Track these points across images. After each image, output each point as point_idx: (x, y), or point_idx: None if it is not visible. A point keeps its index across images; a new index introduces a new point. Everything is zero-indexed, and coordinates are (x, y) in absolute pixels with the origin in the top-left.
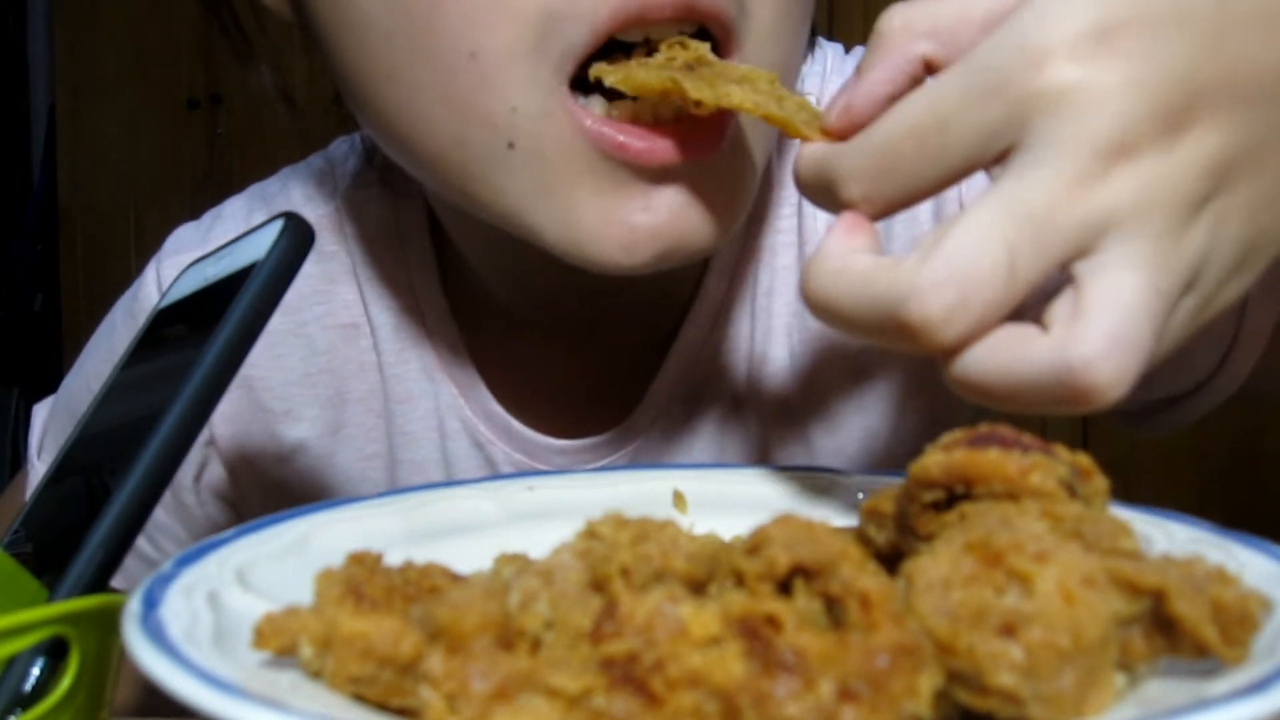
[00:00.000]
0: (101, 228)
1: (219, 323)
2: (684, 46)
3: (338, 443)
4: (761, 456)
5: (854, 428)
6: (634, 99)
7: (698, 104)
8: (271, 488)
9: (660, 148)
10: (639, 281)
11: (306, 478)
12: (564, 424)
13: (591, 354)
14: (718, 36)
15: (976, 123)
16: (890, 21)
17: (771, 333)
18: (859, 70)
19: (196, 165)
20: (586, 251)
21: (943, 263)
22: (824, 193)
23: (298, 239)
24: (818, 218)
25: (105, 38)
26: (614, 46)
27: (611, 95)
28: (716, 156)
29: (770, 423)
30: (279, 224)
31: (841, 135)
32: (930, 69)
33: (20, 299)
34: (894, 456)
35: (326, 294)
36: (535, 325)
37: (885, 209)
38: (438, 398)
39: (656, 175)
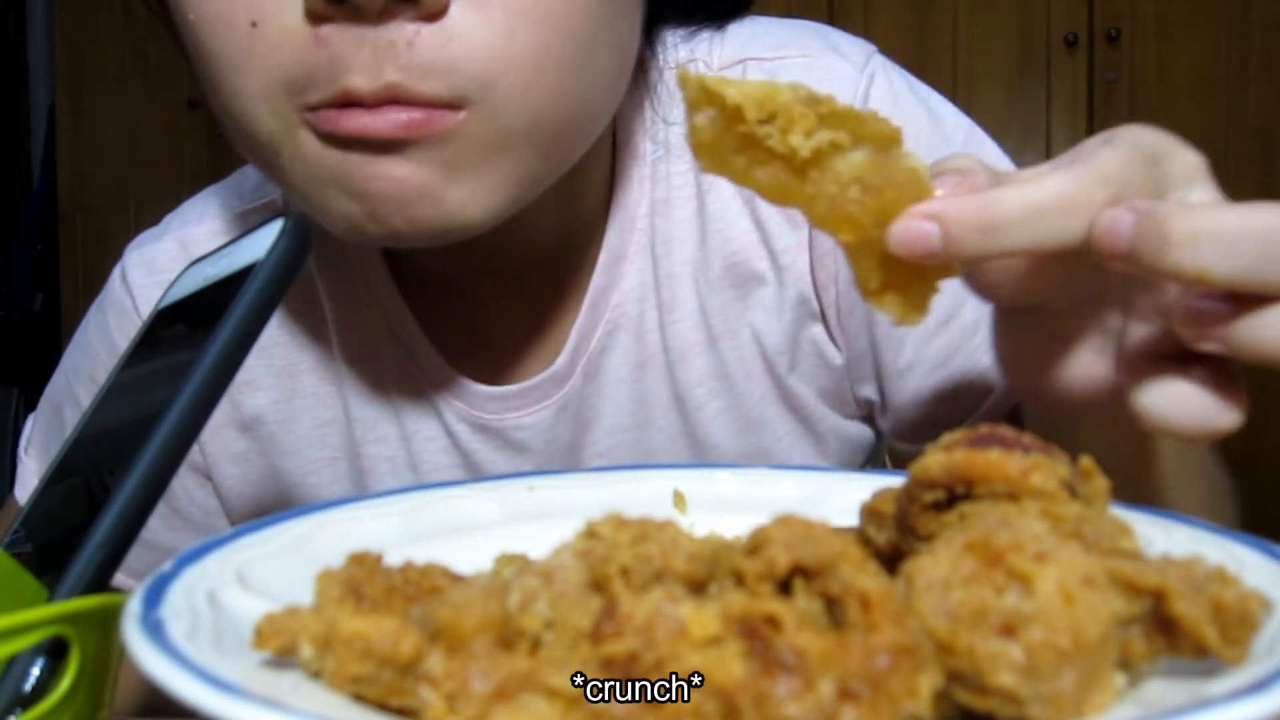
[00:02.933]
0: (101, 228)
1: (219, 323)
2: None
3: (294, 410)
4: (680, 398)
5: (763, 361)
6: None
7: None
8: (237, 455)
9: (381, 124)
10: (540, 237)
11: (268, 444)
12: (500, 374)
13: (518, 308)
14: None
15: None
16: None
17: (676, 280)
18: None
19: (196, 165)
20: (355, 231)
21: None
22: (1132, 255)
23: (297, 239)
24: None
25: (105, 38)
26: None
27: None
28: (433, 136)
29: (687, 365)
30: (279, 224)
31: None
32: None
33: (20, 299)
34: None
35: None
36: (467, 284)
37: (1238, 285)
38: (386, 358)
39: (378, 148)
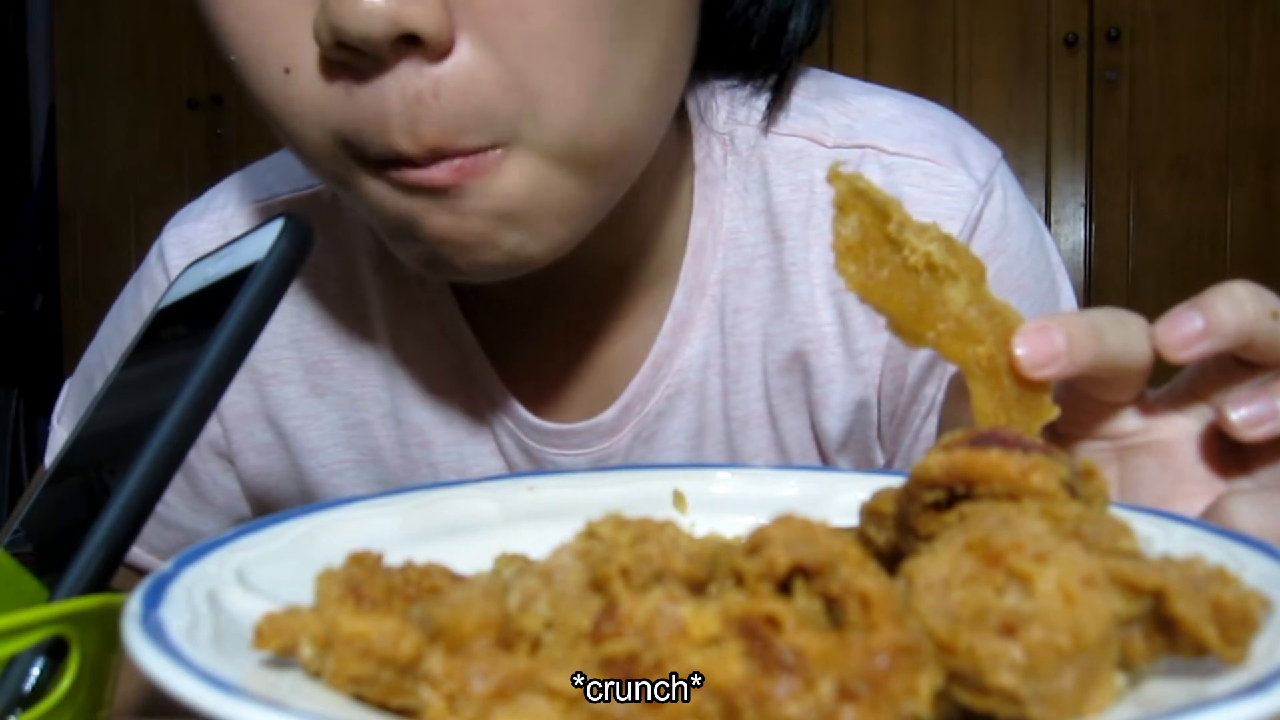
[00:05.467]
0: (101, 228)
1: (219, 323)
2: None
3: (323, 406)
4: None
5: (816, 445)
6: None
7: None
8: (261, 446)
9: (435, 174)
10: (585, 262)
11: (290, 439)
12: (545, 396)
13: (570, 330)
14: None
15: None
16: None
17: (745, 350)
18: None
19: (196, 165)
20: (420, 268)
21: None
22: None
23: (298, 239)
24: (810, 249)
25: (105, 38)
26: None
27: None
28: (489, 182)
29: (747, 436)
30: (279, 224)
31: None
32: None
33: (20, 299)
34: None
35: (318, 266)
36: (519, 297)
37: None
38: (437, 360)
39: (438, 202)
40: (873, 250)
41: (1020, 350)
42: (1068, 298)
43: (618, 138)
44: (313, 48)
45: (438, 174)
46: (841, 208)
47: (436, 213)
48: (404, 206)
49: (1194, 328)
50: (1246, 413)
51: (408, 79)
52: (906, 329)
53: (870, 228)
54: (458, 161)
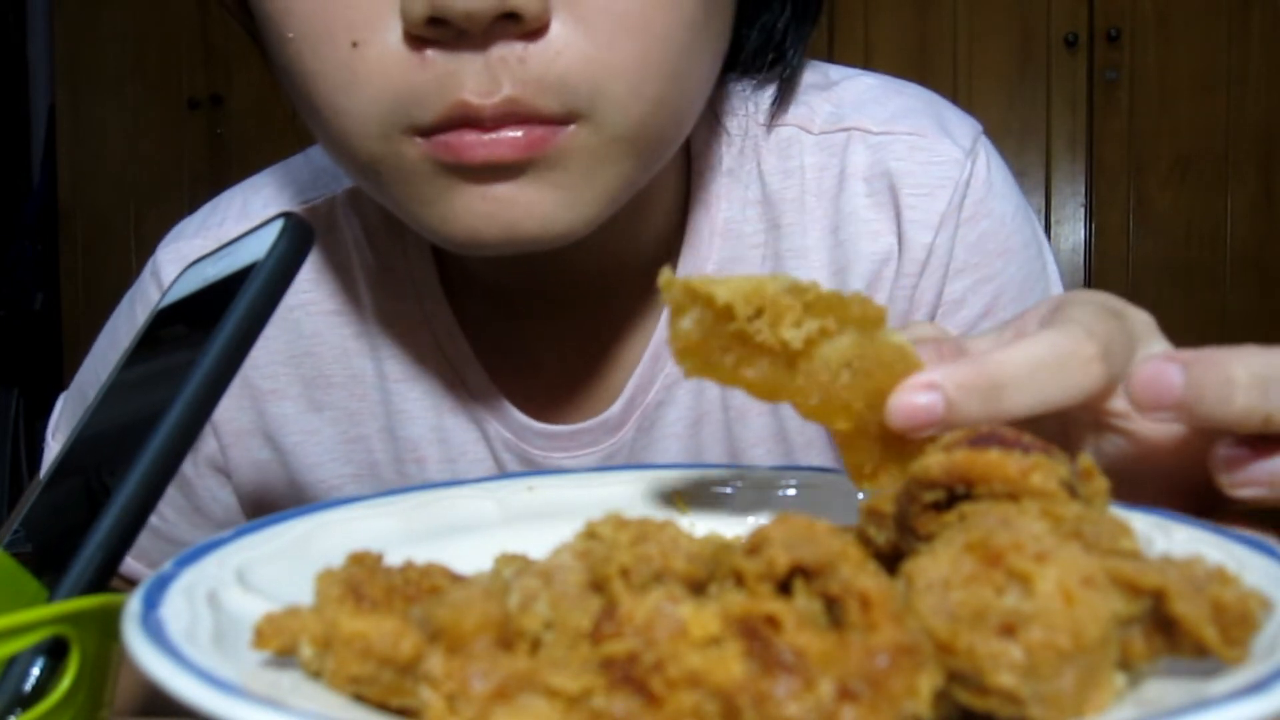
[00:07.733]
0: (101, 228)
1: (219, 323)
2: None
3: (321, 421)
4: (735, 455)
5: (822, 433)
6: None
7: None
8: (260, 463)
9: (498, 146)
10: (598, 258)
11: (289, 456)
12: (548, 405)
13: (572, 338)
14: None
15: None
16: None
17: None
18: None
19: (196, 165)
20: (453, 238)
21: None
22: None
23: (297, 239)
24: (807, 234)
25: (105, 38)
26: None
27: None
28: (548, 155)
29: (746, 424)
30: (279, 224)
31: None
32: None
33: (20, 299)
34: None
35: (316, 282)
36: (521, 302)
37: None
38: (434, 378)
39: (493, 173)
40: (715, 342)
41: (893, 416)
42: (1052, 267)
43: (675, 124)
44: (390, 22)
45: (507, 148)
46: (677, 310)
47: (487, 188)
48: (448, 185)
49: (1170, 388)
50: (1241, 476)
51: (496, 52)
52: (768, 398)
53: (711, 325)
54: (524, 134)
